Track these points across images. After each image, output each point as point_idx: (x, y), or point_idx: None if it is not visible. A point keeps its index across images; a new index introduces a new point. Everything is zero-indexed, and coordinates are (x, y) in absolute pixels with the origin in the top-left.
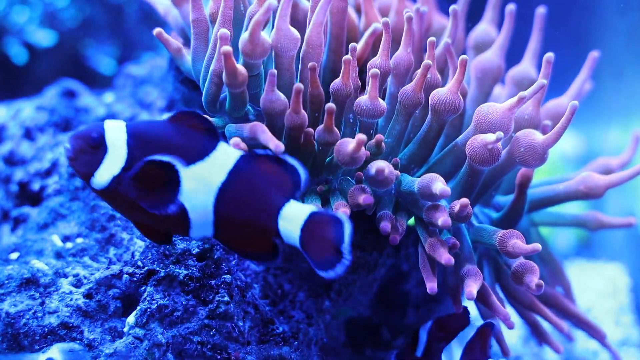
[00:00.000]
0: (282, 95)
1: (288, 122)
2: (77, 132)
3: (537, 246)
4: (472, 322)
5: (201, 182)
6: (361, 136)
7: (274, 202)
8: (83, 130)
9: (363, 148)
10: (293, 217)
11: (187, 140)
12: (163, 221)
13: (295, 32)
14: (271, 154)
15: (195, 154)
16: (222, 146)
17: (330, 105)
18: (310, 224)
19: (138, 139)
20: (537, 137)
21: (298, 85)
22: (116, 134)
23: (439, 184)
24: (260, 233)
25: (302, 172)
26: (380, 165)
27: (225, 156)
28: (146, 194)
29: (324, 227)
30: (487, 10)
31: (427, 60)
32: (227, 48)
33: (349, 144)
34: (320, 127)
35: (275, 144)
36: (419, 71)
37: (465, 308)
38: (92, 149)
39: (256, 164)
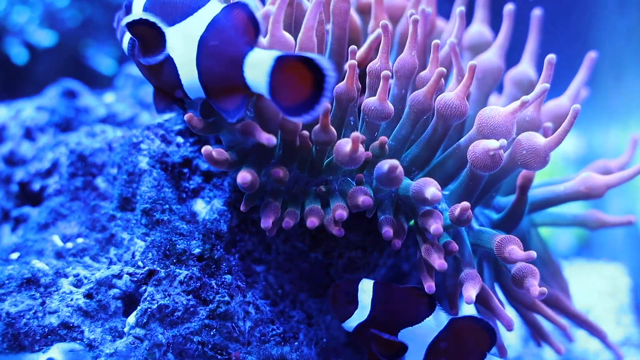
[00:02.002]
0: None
1: (281, 127)
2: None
3: (532, 254)
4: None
5: (186, 37)
6: (356, 134)
7: (238, 50)
8: None
9: (362, 148)
10: (258, 63)
11: None
12: (164, 81)
13: (289, 37)
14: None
15: (188, 10)
16: (212, 2)
17: (326, 105)
18: (279, 68)
19: (152, 2)
20: (539, 140)
21: None
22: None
23: (431, 189)
24: (234, 86)
25: (258, 15)
26: (393, 162)
27: (209, 10)
28: (141, 50)
29: (293, 69)
30: (477, 10)
31: (440, 68)
32: None
33: (347, 144)
34: (317, 126)
35: (266, 137)
36: (432, 77)
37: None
38: (125, 14)
39: (231, 15)
